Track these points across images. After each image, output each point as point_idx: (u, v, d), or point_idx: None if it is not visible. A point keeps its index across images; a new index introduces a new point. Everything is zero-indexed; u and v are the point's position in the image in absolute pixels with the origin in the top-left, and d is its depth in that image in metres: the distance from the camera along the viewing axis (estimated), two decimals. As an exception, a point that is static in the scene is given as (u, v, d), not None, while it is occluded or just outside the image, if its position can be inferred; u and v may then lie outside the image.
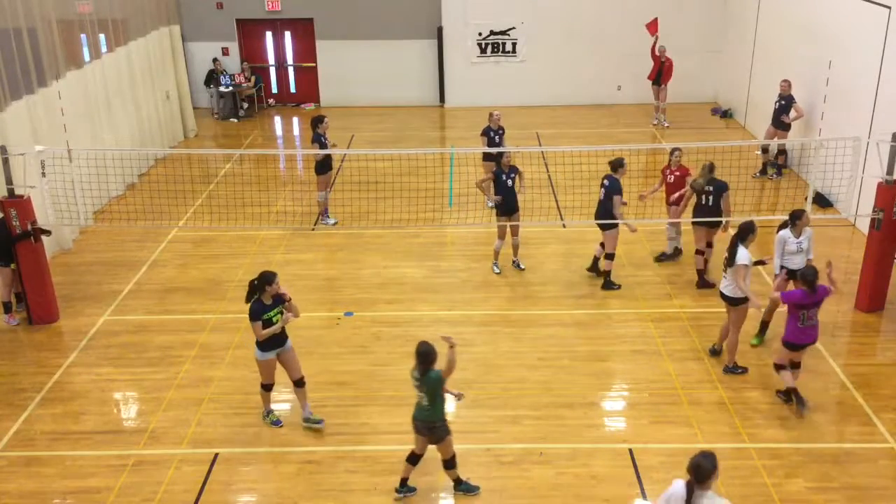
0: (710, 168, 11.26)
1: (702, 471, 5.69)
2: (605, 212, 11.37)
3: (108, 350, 10.31)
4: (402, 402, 9.12)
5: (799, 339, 8.66)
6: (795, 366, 8.90)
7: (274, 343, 8.37)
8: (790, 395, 8.81)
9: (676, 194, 11.87)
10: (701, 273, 11.58)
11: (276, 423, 8.83)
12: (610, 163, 11.44)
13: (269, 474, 8.10)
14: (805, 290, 8.45)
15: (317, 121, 13.38)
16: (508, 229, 11.85)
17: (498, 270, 12.02)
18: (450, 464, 7.66)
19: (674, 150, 12.09)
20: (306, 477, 8.04)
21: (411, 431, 8.61)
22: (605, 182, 11.39)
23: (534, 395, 9.23)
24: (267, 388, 8.72)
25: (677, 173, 12.01)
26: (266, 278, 8.18)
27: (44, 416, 9.01)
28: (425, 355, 7.19)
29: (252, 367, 9.82)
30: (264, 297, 8.20)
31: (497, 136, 13.75)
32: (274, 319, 8.23)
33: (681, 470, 7.95)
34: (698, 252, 11.59)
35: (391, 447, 8.40)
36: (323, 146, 13.26)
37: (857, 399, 9.07)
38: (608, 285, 11.57)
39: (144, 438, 8.62)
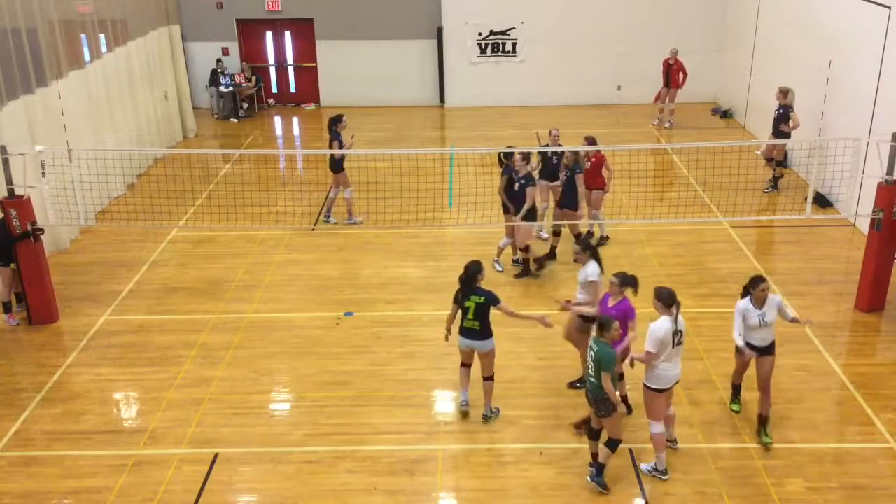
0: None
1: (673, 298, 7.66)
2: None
3: (108, 350, 10.30)
4: (402, 403, 9.14)
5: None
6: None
7: None
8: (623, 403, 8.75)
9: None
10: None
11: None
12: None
13: (269, 474, 8.09)
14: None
15: (336, 120, 13.48)
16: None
17: (500, 269, 12.03)
18: (610, 444, 7.62)
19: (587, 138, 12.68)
20: (306, 477, 8.04)
21: (412, 431, 8.67)
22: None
23: (534, 396, 9.23)
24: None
25: (593, 160, 12.35)
26: (475, 269, 8.39)
27: (44, 416, 9.01)
28: (601, 324, 7.35)
29: (251, 366, 9.86)
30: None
31: (555, 156, 12.66)
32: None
33: (680, 471, 7.98)
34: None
35: (391, 447, 8.41)
36: (342, 145, 13.35)
37: (857, 399, 9.07)
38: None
39: (144, 438, 8.62)
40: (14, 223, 10.30)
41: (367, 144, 18.21)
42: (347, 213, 14.03)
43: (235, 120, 20.51)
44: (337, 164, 13.67)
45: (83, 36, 14.74)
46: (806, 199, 11.57)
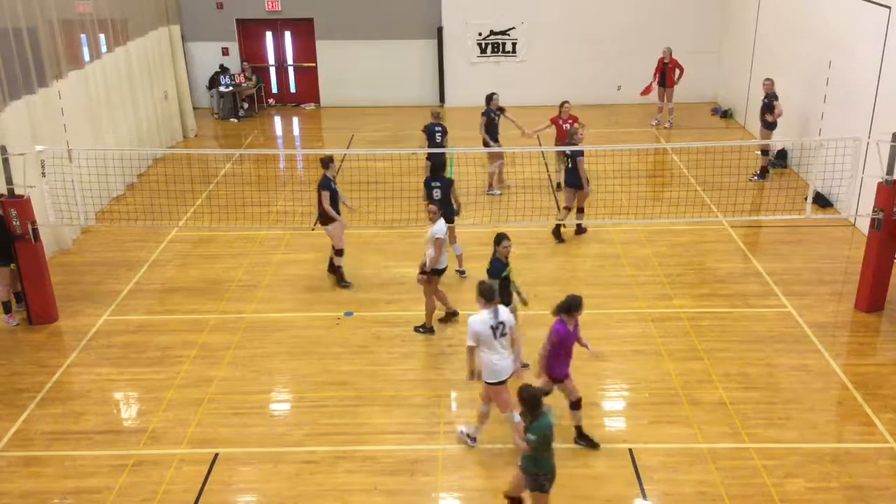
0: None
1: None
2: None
3: (108, 350, 10.30)
4: (402, 403, 9.14)
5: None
6: None
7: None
8: None
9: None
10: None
11: None
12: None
13: (269, 474, 8.09)
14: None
15: (490, 97, 14.96)
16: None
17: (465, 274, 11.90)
18: None
19: (563, 102, 14.77)
20: (306, 477, 8.04)
21: (412, 431, 8.66)
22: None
23: (534, 395, 9.21)
24: None
25: (571, 121, 14.51)
26: (500, 237, 9.07)
27: (44, 416, 9.00)
28: (533, 399, 6.66)
29: (251, 366, 9.86)
30: (500, 255, 9.02)
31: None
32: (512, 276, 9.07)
33: (680, 471, 7.99)
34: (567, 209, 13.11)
35: (391, 447, 8.41)
36: (492, 121, 14.78)
37: (857, 399, 9.07)
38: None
39: (144, 438, 8.62)
40: (14, 223, 10.28)
41: (366, 144, 18.24)
42: (489, 185, 15.09)
43: (235, 120, 20.51)
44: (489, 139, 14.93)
45: (83, 36, 14.74)
46: (806, 199, 11.57)
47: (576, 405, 8.26)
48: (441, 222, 10.08)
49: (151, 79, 17.25)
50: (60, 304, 11.10)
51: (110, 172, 13.96)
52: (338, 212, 11.49)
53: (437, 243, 9.94)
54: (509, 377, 8.05)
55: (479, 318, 7.88)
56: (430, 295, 10.34)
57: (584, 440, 8.37)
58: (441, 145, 14.45)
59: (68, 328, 10.80)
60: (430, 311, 10.40)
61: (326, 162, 11.40)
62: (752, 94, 18.30)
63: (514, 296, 9.28)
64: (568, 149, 13.87)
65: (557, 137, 14.80)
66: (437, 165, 11.74)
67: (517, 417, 7.76)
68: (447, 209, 11.34)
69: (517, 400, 6.78)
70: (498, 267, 9.01)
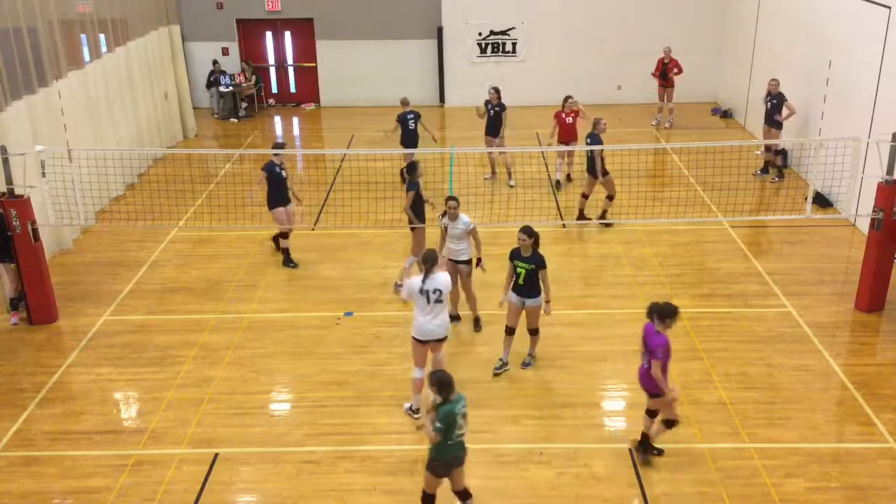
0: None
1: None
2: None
3: (108, 350, 10.30)
4: (402, 403, 9.13)
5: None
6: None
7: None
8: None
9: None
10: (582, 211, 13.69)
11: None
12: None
13: (269, 474, 8.09)
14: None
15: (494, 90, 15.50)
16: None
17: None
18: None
19: (567, 97, 15.04)
20: (306, 477, 8.04)
21: (412, 431, 8.65)
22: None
23: (534, 395, 9.23)
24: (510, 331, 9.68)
25: (573, 115, 14.92)
26: (529, 231, 9.22)
27: (44, 416, 9.00)
28: (444, 383, 6.83)
29: (251, 366, 9.86)
30: (523, 250, 9.19)
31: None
32: (518, 270, 9.21)
33: (680, 471, 7.98)
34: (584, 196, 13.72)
35: (391, 447, 8.42)
36: (488, 113, 15.28)
37: (857, 399, 9.07)
38: None
39: (144, 438, 8.62)
40: (14, 223, 10.28)
41: (366, 144, 18.24)
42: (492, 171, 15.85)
43: (235, 120, 20.51)
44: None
45: (83, 36, 14.74)
46: (806, 199, 11.57)
47: (652, 414, 8.02)
48: (464, 215, 10.27)
49: (151, 79, 17.25)
50: (60, 304, 11.10)
51: (110, 172, 13.97)
52: (282, 197, 12.10)
53: (474, 231, 10.23)
54: (432, 341, 8.57)
55: (415, 279, 8.46)
56: (469, 289, 10.45)
57: (650, 448, 8.10)
58: (415, 132, 14.85)
59: (68, 328, 10.80)
60: (473, 301, 10.53)
61: (277, 146, 12.24)
62: (752, 94, 18.32)
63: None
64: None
65: (560, 132, 14.88)
66: (412, 165, 11.64)
67: (417, 373, 8.69)
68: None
69: (429, 383, 7.02)
70: (512, 253, 9.31)
